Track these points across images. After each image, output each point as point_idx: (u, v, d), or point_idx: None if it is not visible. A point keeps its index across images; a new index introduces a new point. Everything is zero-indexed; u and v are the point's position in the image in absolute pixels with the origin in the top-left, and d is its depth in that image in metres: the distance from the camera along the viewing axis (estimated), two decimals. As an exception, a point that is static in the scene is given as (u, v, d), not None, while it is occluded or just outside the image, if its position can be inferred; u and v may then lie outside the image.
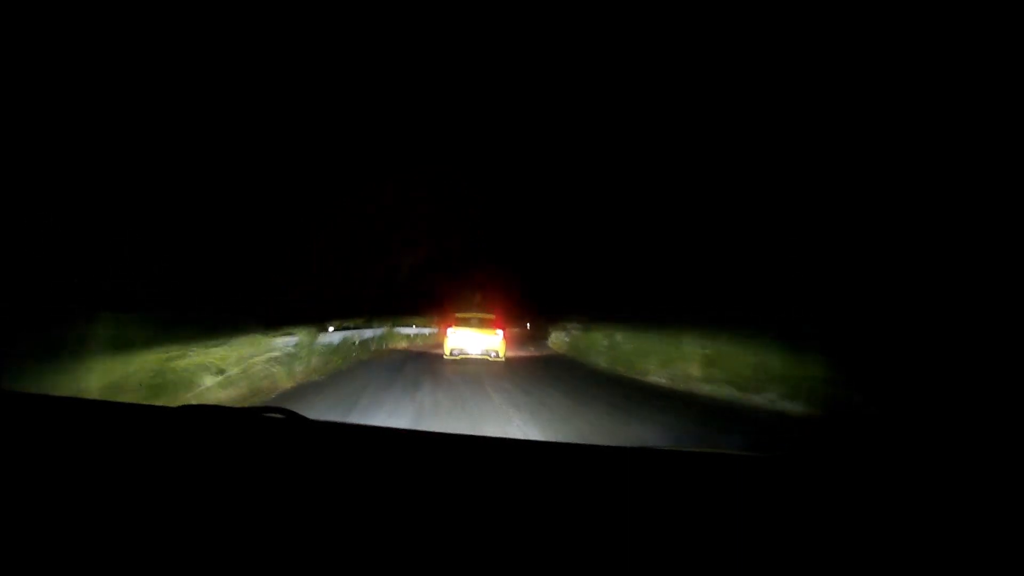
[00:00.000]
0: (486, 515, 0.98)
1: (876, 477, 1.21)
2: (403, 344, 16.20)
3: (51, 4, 4.53)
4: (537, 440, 2.50)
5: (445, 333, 12.82)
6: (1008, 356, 3.50)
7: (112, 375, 4.47)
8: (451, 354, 12.11)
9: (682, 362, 8.53)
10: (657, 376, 9.06)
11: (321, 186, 10.09)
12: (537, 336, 20.40)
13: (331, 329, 10.05)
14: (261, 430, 1.47)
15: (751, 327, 6.80)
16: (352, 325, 11.65)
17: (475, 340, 12.07)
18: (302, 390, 7.13)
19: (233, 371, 6.32)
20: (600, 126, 10.05)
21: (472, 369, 10.11)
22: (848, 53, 4.84)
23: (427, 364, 11.05)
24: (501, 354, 12.01)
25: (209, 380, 5.83)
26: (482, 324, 12.36)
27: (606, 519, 0.99)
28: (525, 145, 12.78)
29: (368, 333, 12.93)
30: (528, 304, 20.66)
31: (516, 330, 19.78)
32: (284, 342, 7.80)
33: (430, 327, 19.38)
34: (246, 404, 5.83)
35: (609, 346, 12.16)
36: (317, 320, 9.37)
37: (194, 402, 4.33)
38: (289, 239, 9.23)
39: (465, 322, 12.47)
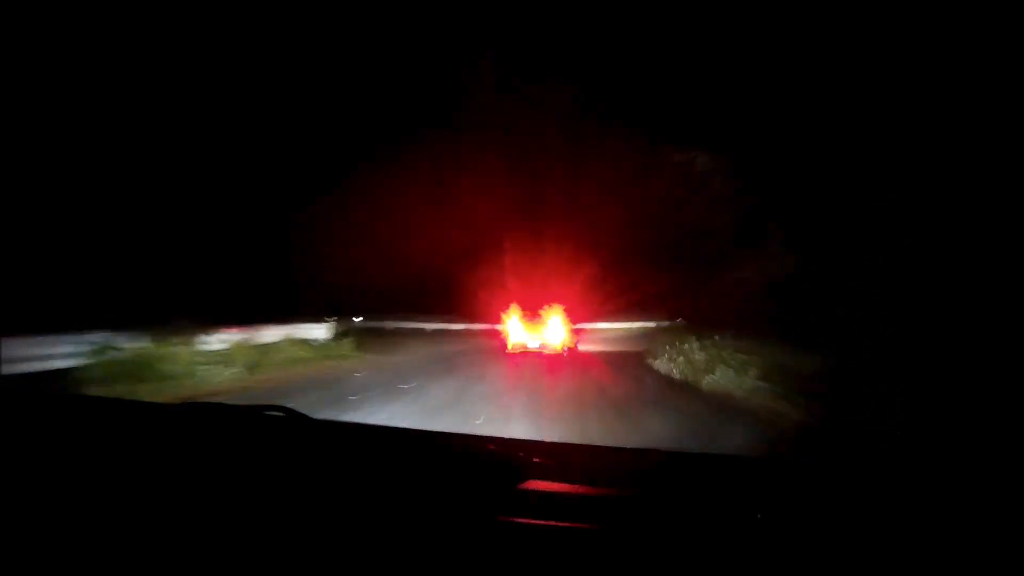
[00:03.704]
0: (489, 515, 0.96)
1: (887, 484, 1.18)
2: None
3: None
4: (542, 440, 2.61)
5: (507, 326, 12.78)
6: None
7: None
8: (512, 348, 12.18)
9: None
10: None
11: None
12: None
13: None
14: (262, 428, 1.50)
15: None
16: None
17: (536, 333, 12.08)
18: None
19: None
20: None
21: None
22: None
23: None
24: (561, 348, 11.96)
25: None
26: (543, 317, 12.25)
27: (610, 520, 0.97)
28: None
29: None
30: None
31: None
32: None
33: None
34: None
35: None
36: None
37: None
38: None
39: (526, 315, 12.45)
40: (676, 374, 8.52)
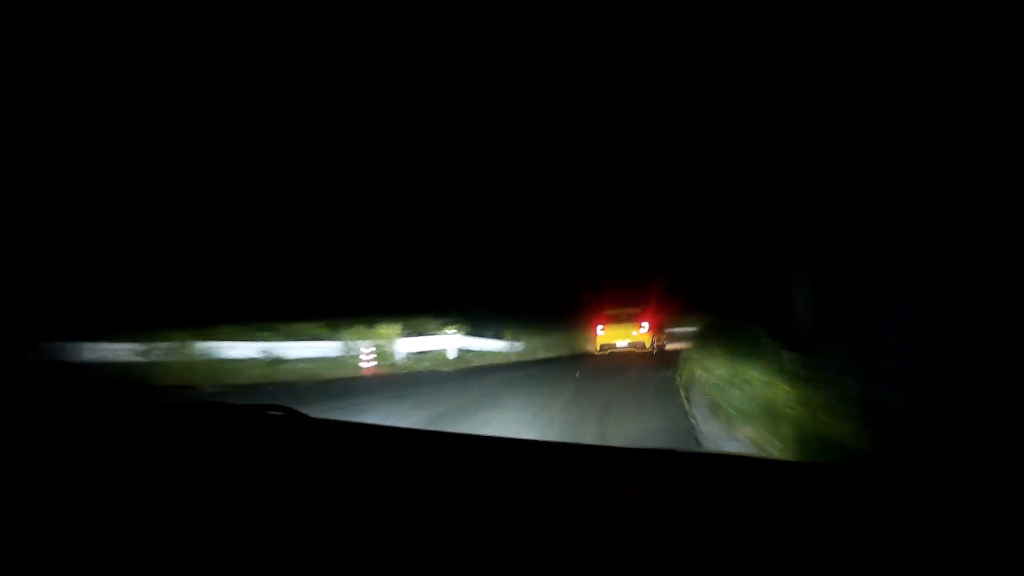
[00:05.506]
0: (489, 516, 0.95)
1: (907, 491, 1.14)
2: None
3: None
4: (543, 440, 2.76)
5: (594, 330, 13.29)
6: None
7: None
8: (600, 349, 12.79)
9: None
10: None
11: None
12: None
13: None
14: (261, 427, 1.48)
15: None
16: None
17: (622, 334, 12.63)
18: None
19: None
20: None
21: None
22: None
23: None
24: (648, 345, 12.45)
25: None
26: (629, 319, 12.77)
27: (611, 522, 0.96)
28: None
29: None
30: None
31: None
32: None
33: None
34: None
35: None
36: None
37: None
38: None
39: (613, 318, 12.98)
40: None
